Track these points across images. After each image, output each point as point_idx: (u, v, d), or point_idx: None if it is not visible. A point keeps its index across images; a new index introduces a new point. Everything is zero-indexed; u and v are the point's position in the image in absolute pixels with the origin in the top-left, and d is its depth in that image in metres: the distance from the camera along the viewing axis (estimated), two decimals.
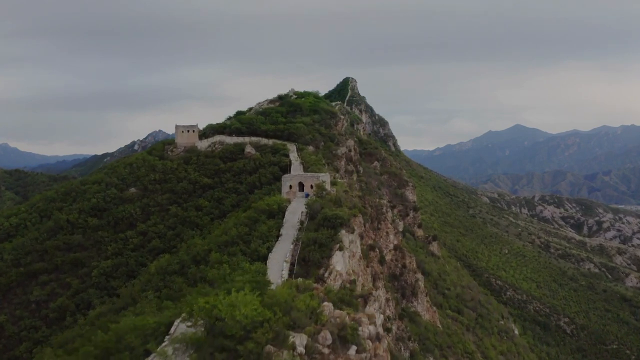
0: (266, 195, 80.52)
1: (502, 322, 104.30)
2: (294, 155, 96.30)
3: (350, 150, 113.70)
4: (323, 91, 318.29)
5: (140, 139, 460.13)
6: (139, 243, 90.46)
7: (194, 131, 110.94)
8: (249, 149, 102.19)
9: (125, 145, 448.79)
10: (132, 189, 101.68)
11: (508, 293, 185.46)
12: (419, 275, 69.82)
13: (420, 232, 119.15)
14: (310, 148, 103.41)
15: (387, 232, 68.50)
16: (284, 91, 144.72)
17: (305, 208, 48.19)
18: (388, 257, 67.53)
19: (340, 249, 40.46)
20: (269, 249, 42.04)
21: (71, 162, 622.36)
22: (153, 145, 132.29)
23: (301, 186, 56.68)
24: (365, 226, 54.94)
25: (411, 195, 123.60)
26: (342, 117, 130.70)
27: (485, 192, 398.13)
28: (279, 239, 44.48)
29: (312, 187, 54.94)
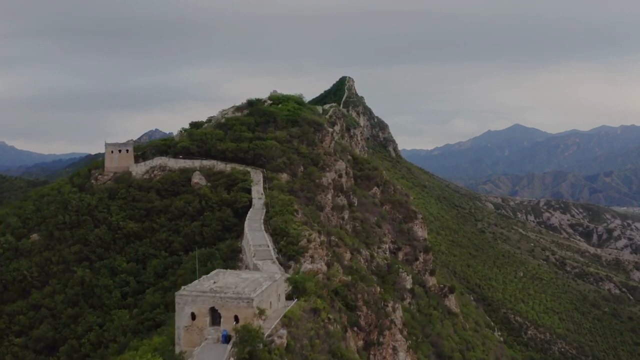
0: (205, 263, 51.70)
1: None
2: (257, 190, 67.71)
3: (340, 176, 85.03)
4: (320, 92, 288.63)
5: (134, 139, 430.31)
6: (27, 323, 61.91)
7: (127, 151, 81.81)
8: (197, 178, 73.39)
9: None
10: (34, 236, 72.64)
11: (529, 332, 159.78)
12: None
13: (433, 281, 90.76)
14: (284, 176, 74.59)
15: (394, 348, 40.78)
16: (284, 91, 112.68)
17: None
18: None
19: None
20: None
21: (67, 161, 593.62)
22: (78, 170, 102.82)
23: (216, 315, 27.08)
24: None
25: (421, 231, 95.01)
26: (331, 129, 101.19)
27: (488, 197, 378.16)
28: None
29: (236, 320, 25.83)
